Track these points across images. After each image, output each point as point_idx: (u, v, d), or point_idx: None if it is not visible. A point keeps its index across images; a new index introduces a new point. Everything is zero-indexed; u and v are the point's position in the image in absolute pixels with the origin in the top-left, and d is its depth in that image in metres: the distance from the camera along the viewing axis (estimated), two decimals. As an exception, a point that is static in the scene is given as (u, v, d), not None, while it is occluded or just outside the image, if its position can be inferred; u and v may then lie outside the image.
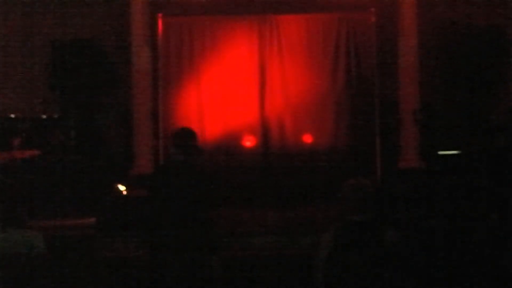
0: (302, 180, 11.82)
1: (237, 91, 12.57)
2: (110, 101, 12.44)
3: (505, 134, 11.13)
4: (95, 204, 10.06)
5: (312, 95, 12.54)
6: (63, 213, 10.30)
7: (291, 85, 12.63)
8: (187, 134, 5.72)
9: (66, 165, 11.61)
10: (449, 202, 7.96)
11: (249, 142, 12.60)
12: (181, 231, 5.29)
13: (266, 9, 12.62)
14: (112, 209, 9.57)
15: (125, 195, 10.51)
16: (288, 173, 12.13)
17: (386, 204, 7.83)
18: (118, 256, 8.17)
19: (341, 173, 10.84)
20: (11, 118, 12.22)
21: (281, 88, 12.67)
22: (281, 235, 8.89)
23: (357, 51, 12.66)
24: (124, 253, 8.18)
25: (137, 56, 11.89)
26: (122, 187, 10.66)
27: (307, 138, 12.61)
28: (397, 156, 11.84)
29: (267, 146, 12.65)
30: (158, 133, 12.11)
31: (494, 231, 6.71)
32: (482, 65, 11.87)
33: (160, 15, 12.37)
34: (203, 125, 12.62)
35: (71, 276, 6.79)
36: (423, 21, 11.94)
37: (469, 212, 7.34)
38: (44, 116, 12.44)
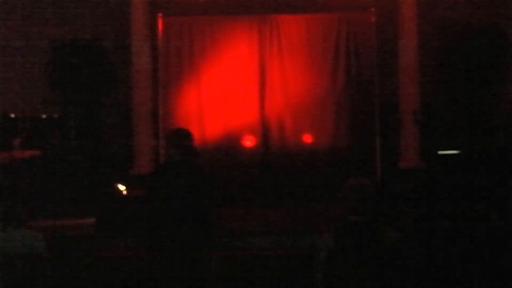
0: (302, 180, 11.81)
1: (237, 91, 12.57)
2: (110, 101, 12.44)
3: (505, 134, 11.14)
4: (95, 204, 10.06)
5: (312, 95, 12.54)
6: (63, 213, 10.30)
7: (291, 85, 12.63)
8: (183, 135, 5.73)
9: (66, 165, 11.61)
10: (449, 202, 7.96)
11: (249, 142, 12.60)
12: (178, 231, 5.30)
13: (266, 9, 12.63)
14: (112, 209, 9.57)
15: (125, 195, 10.51)
16: (288, 173, 12.13)
17: (386, 204, 7.83)
18: (118, 256, 8.16)
19: (341, 173, 10.84)
20: (11, 118, 12.21)
21: (281, 88, 12.66)
22: (281, 235, 8.88)
23: (357, 51, 12.65)
24: (124, 253, 8.17)
25: (137, 56, 11.90)
26: (122, 187, 10.66)
27: (307, 138, 12.61)
28: (397, 156, 11.84)
29: (267, 146, 12.65)
30: (158, 133, 12.11)
31: (494, 231, 6.71)
32: (482, 65, 11.88)
33: (160, 15, 12.37)
34: (203, 125, 12.63)
35: (71, 276, 6.79)
36: (423, 21, 11.95)
37: (469, 212, 7.34)
38: (44, 116, 12.44)
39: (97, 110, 12.50)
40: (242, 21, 12.81)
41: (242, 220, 9.87)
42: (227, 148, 12.55)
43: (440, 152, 11.51)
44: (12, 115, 12.27)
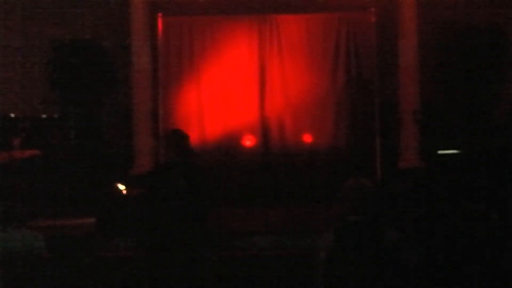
0: (302, 180, 11.82)
1: (237, 91, 12.58)
2: (110, 101, 12.44)
3: (505, 134, 11.14)
4: (95, 204, 10.06)
5: (312, 95, 12.54)
6: (63, 213, 10.30)
7: (291, 85, 12.63)
8: (179, 136, 5.73)
9: (66, 165, 11.62)
10: (449, 202, 7.96)
11: (249, 141, 12.60)
12: (176, 231, 5.30)
13: (266, 9, 12.63)
14: (112, 209, 9.57)
15: (125, 195, 10.51)
16: (288, 173, 12.13)
17: (386, 204, 7.83)
18: (118, 256, 8.17)
19: (341, 173, 10.84)
20: (11, 117, 12.22)
21: (281, 88, 12.67)
22: (281, 234, 8.89)
23: (357, 51, 12.66)
24: (124, 253, 8.17)
25: (137, 56, 11.90)
26: (122, 187, 10.66)
27: (307, 138, 12.61)
28: (397, 156, 11.84)
29: (267, 146, 12.65)
30: (158, 133, 12.10)
31: (494, 231, 6.71)
32: (482, 65, 11.87)
33: (160, 15, 12.37)
34: (203, 125, 12.64)
35: (71, 276, 6.79)
36: (423, 21, 11.95)
37: (469, 212, 7.33)
38: (44, 116, 12.44)
39: (97, 110, 12.50)
40: (242, 21, 12.81)
41: (242, 220, 9.88)
42: (227, 148, 12.55)
43: (440, 152, 11.51)
44: (12, 115, 12.27)
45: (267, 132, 12.67)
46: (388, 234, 4.22)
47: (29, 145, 11.17)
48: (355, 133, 12.54)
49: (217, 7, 12.48)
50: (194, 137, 12.50)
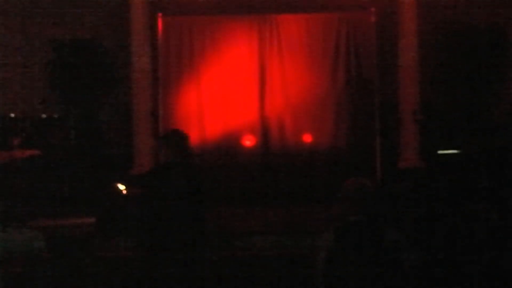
0: (302, 180, 11.83)
1: (237, 91, 12.57)
2: (110, 101, 12.44)
3: (505, 134, 11.13)
4: (95, 204, 10.06)
5: (312, 95, 12.54)
6: (63, 213, 10.30)
7: (291, 85, 12.63)
8: (177, 136, 5.73)
9: (66, 165, 11.62)
10: (449, 202, 7.96)
11: (249, 141, 12.60)
12: (173, 231, 5.30)
13: (266, 9, 12.63)
14: (112, 209, 9.57)
15: (125, 195, 10.50)
16: (288, 173, 12.13)
17: (386, 204, 7.83)
18: (118, 256, 8.17)
19: (341, 173, 10.84)
20: (11, 117, 12.22)
21: (281, 88, 12.67)
22: (281, 235, 8.89)
23: (357, 51, 12.66)
24: (124, 253, 8.17)
25: (137, 56, 11.89)
26: (122, 187, 10.66)
27: (307, 138, 12.61)
28: (397, 156, 11.84)
29: (267, 146, 12.65)
30: (158, 133, 12.10)
31: (494, 231, 6.71)
32: (482, 65, 11.88)
33: (160, 15, 12.37)
34: (203, 125, 12.64)
35: (71, 276, 6.79)
36: (423, 21, 11.94)
37: (469, 212, 7.33)
38: (44, 116, 12.44)
39: (97, 110, 12.50)
40: (242, 21, 12.81)
41: (242, 220, 9.88)
42: (227, 148, 12.55)
43: (440, 152, 11.51)
44: (12, 115, 12.28)
45: (267, 132, 12.67)
46: (388, 234, 4.22)
47: (29, 145, 11.17)
48: (355, 133, 12.54)
49: (217, 7, 12.48)
50: (194, 137, 12.57)
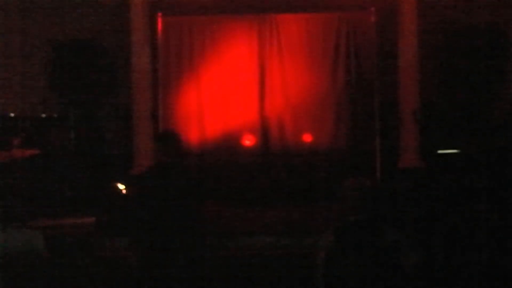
0: (302, 180, 11.82)
1: (237, 91, 12.57)
2: (110, 101, 12.44)
3: (505, 134, 11.14)
4: (95, 204, 10.06)
5: (312, 95, 12.54)
6: (63, 212, 10.31)
7: (291, 85, 12.63)
8: (170, 136, 5.74)
9: (66, 165, 11.62)
10: (449, 201, 7.96)
11: (249, 141, 12.60)
12: (167, 232, 5.30)
13: (266, 9, 12.63)
14: (112, 209, 9.57)
15: (124, 195, 10.51)
16: (288, 173, 12.13)
17: (386, 204, 7.83)
18: (118, 256, 8.16)
19: (341, 173, 10.84)
20: (11, 117, 12.22)
21: (281, 88, 12.66)
22: (280, 235, 8.89)
23: (357, 51, 12.65)
24: (124, 253, 8.17)
25: (137, 56, 11.89)
26: (122, 187, 10.67)
27: (307, 138, 12.61)
28: (397, 156, 11.84)
29: (267, 146, 12.65)
30: (157, 133, 12.10)
31: (494, 231, 6.71)
32: (482, 65, 11.88)
33: (160, 14, 12.36)
34: (203, 125, 12.63)
35: (71, 276, 6.79)
36: (423, 21, 11.94)
37: (469, 212, 7.33)
38: (44, 116, 12.44)
39: (97, 110, 12.50)
40: (242, 21, 12.80)
41: (242, 220, 9.88)
42: (227, 148, 12.54)
43: (440, 152, 11.51)
44: (12, 115, 12.28)
45: (267, 132, 12.67)
46: (388, 234, 4.22)
47: (29, 145, 11.17)
48: (355, 133, 12.53)
49: (217, 7, 12.48)
50: (194, 137, 12.61)
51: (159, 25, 12.40)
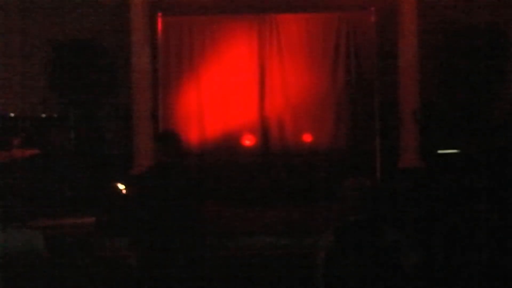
0: (302, 180, 11.82)
1: (237, 91, 12.57)
2: (110, 101, 12.44)
3: (505, 134, 11.14)
4: (95, 204, 10.06)
5: (312, 95, 12.54)
6: (63, 212, 10.31)
7: (291, 85, 12.63)
8: (170, 136, 5.74)
9: (66, 165, 11.62)
10: (449, 201, 7.96)
11: (249, 141, 12.60)
12: (167, 232, 5.30)
13: (266, 9, 12.63)
14: (112, 209, 9.57)
15: (124, 195, 10.51)
16: (288, 173, 12.13)
17: (386, 204, 7.83)
18: (118, 256, 8.16)
19: (341, 173, 10.84)
20: (11, 117, 12.22)
21: (281, 88, 12.66)
22: (281, 235, 8.89)
23: (357, 51, 12.65)
24: (124, 253, 8.17)
25: (137, 56, 11.89)
26: (122, 187, 10.67)
27: (307, 138, 12.60)
28: (397, 156, 11.84)
29: (267, 146, 12.65)
30: (157, 133, 12.10)
31: (494, 231, 6.71)
32: (482, 65, 11.88)
33: (160, 14, 12.36)
34: (203, 125, 12.63)
35: (71, 276, 6.79)
36: (423, 21, 11.95)
37: (469, 212, 7.34)
38: (44, 116, 12.44)
39: (97, 110, 12.51)
40: (242, 21, 12.80)
41: (242, 220, 9.88)
42: (227, 148, 12.54)
43: (440, 152, 11.51)
44: (12, 115, 12.28)
45: (267, 132, 12.67)
46: (388, 234, 4.22)
47: (29, 145, 11.17)
48: (355, 133, 12.53)
49: (217, 7, 12.48)
50: (194, 137, 12.61)
51: (159, 25, 12.40)
